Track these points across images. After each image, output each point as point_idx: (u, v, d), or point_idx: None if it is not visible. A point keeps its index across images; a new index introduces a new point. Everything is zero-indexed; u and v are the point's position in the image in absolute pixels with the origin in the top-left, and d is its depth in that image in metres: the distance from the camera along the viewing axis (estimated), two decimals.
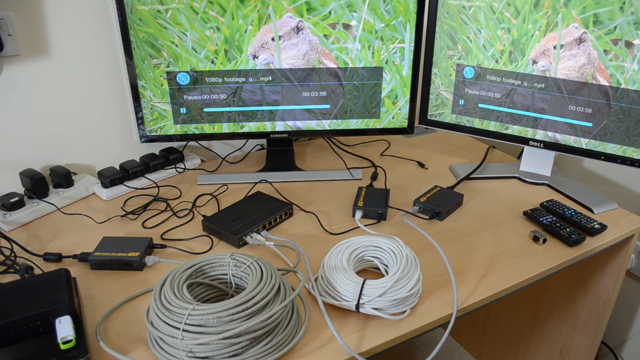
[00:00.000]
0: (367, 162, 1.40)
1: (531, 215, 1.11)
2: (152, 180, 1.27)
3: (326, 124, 1.30)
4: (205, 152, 1.45)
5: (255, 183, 1.27)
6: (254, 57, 1.20)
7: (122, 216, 1.14)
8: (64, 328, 0.74)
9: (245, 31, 1.17)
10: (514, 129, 1.25)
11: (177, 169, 1.33)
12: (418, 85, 1.28)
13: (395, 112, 1.30)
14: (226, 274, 0.83)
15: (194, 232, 1.08)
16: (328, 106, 1.27)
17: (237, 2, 1.14)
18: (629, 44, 1.06)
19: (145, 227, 1.09)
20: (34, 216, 1.12)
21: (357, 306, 0.82)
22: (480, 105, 1.27)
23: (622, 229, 1.10)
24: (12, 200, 1.09)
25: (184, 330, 0.70)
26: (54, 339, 0.74)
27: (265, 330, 0.73)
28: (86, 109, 1.24)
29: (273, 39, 1.18)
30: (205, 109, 1.25)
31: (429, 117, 1.34)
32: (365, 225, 1.09)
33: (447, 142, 1.53)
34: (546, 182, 1.27)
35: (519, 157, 1.40)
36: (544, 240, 1.04)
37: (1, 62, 1.10)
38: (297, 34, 1.18)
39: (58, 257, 0.98)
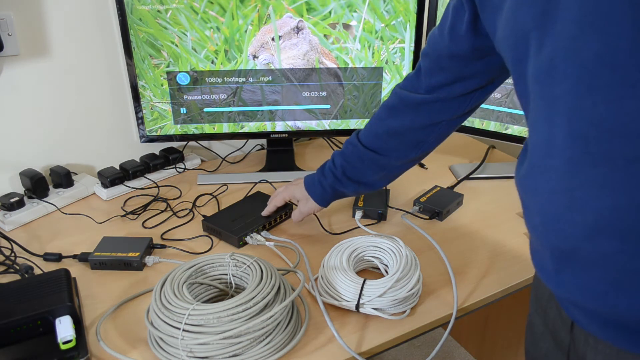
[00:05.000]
0: None
1: None
2: (152, 180, 1.27)
3: (326, 124, 1.30)
4: (205, 152, 1.45)
5: (255, 183, 1.27)
6: (254, 57, 1.20)
7: (122, 216, 1.14)
8: (64, 328, 0.74)
9: (245, 31, 1.17)
10: (514, 129, 1.25)
11: (177, 169, 1.33)
12: None
13: None
14: (226, 274, 0.83)
15: (194, 232, 1.08)
16: (328, 106, 1.27)
17: (237, 2, 1.14)
18: None
19: (145, 227, 1.09)
20: (34, 216, 1.12)
21: (357, 306, 0.82)
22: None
23: None
24: (12, 200, 1.09)
25: (184, 330, 0.70)
26: (54, 339, 0.74)
27: (266, 331, 0.73)
28: (86, 109, 1.24)
29: (273, 39, 1.18)
30: (205, 109, 1.25)
31: None
32: (365, 225, 1.09)
33: (447, 142, 1.53)
34: None
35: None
36: None
37: (1, 62, 1.10)
38: (297, 34, 1.18)
39: (58, 257, 0.98)
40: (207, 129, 1.27)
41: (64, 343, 0.73)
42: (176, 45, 1.17)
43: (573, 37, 0.51)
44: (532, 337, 0.80)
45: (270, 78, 1.22)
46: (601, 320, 0.60)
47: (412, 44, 1.23)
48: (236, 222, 1.05)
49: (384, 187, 1.24)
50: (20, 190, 1.19)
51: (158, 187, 1.26)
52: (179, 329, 0.70)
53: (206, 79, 1.21)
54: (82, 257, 0.96)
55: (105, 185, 1.21)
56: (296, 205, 1.01)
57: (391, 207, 1.16)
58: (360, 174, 0.93)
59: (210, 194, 1.23)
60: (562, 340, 0.71)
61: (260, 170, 1.34)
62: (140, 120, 1.23)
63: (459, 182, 1.28)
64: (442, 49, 0.77)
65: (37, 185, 1.13)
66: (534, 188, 0.60)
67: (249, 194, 1.19)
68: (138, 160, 1.30)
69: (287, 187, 1.04)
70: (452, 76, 0.79)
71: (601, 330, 0.61)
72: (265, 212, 1.06)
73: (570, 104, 0.52)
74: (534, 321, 0.79)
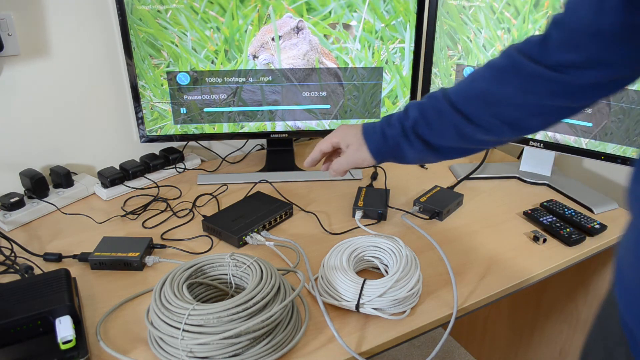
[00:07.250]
0: None
1: (531, 215, 1.11)
2: (152, 180, 1.27)
3: (326, 124, 1.30)
4: (205, 152, 1.45)
5: (255, 183, 1.27)
6: (254, 57, 1.20)
7: (122, 216, 1.14)
8: (64, 328, 0.74)
9: (245, 31, 1.17)
10: None
11: (177, 169, 1.33)
12: (418, 85, 1.28)
13: None
14: (226, 274, 0.83)
15: (194, 232, 1.08)
16: (328, 106, 1.27)
17: (237, 2, 1.14)
18: None
19: (145, 227, 1.09)
20: (34, 216, 1.12)
21: (357, 306, 0.82)
22: None
23: (622, 228, 1.10)
24: (12, 200, 1.09)
25: (184, 330, 0.70)
26: (54, 339, 0.74)
27: (265, 330, 0.73)
28: (86, 109, 1.24)
29: (273, 39, 1.18)
30: (205, 109, 1.25)
31: None
32: (365, 225, 1.09)
33: None
34: (546, 182, 1.27)
35: (519, 157, 1.40)
36: (544, 240, 1.04)
37: (1, 62, 1.10)
38: (297, 34, 1.18)
39: (58, 257, 0.98)
40: (207, 129, 1.27)
41: (64, 343, 0.73)
42: (176, 45, 1.17)
43: None
44: None
45: (270, 78, 1.22)
46: None
47: (412, 44, 1.23)
48: (236, 222, 1.05)
49: (385, 187, 1.24)
50: (20, 190, 1.19)
51: (158, 187, 1.26)
52: (179, 329, 0.70)
53: (206, 79, 1.21)
54: (82, 257, 0.96)
55: (105, 185, 1.21)
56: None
57: (391, 207, 1.16)
58: (434, 133, 0.76)
59: (210, 194, 1.23)
60: None
61: (260, 170, 1.34)
62: (140, 120, 1.23)
63: (459, 182, 1.28)
64: (582, 21, 0.59)
65: (37, 185, 1.13)
66: None
67: (249, 194, 1.19)
68: (138, 160, 1.30)
69: (338, 129, 0.86)
70: (587, 58, 0.61)
71: None
72: (307, 161, 0.93)
73: None
74: (593, 355, 0.69)
